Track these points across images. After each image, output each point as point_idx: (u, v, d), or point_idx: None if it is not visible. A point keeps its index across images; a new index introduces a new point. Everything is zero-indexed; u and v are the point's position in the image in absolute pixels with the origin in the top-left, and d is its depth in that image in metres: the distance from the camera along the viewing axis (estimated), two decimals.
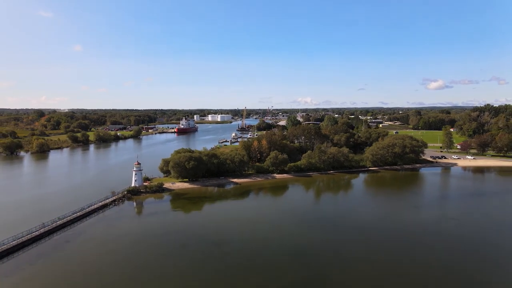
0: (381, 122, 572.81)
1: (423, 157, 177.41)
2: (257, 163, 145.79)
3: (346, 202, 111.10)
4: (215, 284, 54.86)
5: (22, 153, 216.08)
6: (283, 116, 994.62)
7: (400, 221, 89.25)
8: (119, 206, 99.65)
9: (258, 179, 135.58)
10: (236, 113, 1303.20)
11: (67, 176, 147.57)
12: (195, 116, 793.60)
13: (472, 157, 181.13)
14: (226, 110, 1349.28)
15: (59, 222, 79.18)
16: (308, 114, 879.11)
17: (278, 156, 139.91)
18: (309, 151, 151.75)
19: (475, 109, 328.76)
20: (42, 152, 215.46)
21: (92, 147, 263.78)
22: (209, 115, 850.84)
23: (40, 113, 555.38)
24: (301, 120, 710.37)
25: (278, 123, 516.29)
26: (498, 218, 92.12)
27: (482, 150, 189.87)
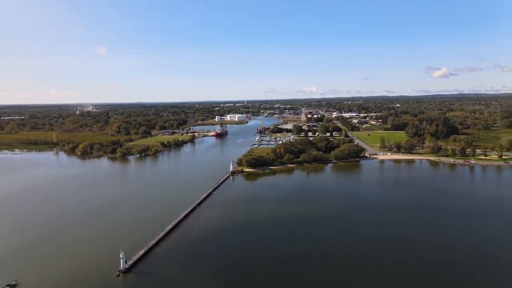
0: (366, 122, 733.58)
1: (365, 154, 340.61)
2: (279, 159, 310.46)
3: (318, 175, 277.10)
4: (271, 193, 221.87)
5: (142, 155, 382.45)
6: (289, 113, 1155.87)
7: (339, 181, 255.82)
8: (230, 177, 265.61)
9: (280, 166, 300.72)
10: (247, 108, 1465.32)
11: (194, 168, 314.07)
12: (216, 117, 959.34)
13: (390, 154, 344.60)
14: (236, 102, 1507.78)
15: (220, 180, 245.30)
16: (311, 112, 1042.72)
17: (289, 157, 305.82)
18: (303, 153, 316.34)
19: (419, 118, 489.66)
20: (154, 154, 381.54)
21: (172, 150, 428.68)
22: (228, 115, 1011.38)
23: (105, 120, 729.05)
24: (304, 118, 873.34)
25: (286, 126, 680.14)
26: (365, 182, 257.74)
27: (398, 149, 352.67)
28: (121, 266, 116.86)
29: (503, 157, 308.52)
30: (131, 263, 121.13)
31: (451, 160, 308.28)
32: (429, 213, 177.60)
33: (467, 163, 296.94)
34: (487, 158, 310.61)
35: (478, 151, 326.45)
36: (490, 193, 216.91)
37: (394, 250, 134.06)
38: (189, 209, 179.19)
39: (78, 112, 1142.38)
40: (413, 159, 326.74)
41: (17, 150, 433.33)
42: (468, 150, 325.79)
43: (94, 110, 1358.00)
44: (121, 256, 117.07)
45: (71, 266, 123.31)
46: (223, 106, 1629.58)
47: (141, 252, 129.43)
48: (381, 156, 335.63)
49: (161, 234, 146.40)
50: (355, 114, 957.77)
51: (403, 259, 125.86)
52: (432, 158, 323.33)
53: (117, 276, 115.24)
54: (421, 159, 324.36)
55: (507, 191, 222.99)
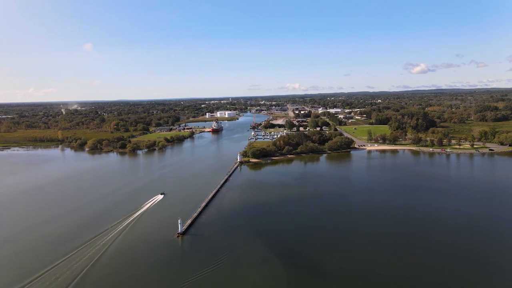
0: (352, 117, 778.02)
1: (355, 145, 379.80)
2: (280, 151, 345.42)
3: (315, 163, 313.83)
4: (277, 178, 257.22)
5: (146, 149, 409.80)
6: (276, 109, 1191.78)
7: (334, 167, 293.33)
8: (239, 166, 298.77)
9: (281, 157, 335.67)
10: (233, 105, 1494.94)
11: (203, 159, 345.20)
12: (207, 114, 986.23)
13: (377, 145, 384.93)
14: (221, 99, 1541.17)
15: (232, 169, 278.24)
16: (298, 109, 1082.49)
17: (288, 148, 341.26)
18: (301, 145, 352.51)
19: (401, 113, 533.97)
20: (161, 149, 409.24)
21: (175, 145, 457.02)
22: (218, 112, 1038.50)
23: (101, 118, 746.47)
24: (292, 114, 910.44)
25: (277, 121, 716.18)
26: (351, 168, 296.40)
27: (383, 141, 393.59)
28: (179, 229, 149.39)
29: (474, 146, 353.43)
30: (184, 228, 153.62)
31: (430, 149, 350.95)
32: (411, 191, 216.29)
33: (443, 151, 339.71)
34: (460, 147, 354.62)
35: (453, 141, 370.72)
36: (462, 175, 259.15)
37: (381, 220, 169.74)
38: (214, 191, 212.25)
39: (63, 111, 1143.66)
40: (397, 149, 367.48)
41: (24, 147, 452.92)
42: (444, 140, 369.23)
43: (80, 108, 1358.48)
44: (179, 222, 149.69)
45: (150, 228, 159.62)
46: (209, 103, 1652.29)
47: (189, 221, 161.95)
48: (368, 147, 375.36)
49: (199, 210, 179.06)
50: (340, 110, 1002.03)
51: (389, 228, 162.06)
52: (414, 148, 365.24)
53: (177, 237, 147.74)
54: (404, 149, 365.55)
55: (476, 174, 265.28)
